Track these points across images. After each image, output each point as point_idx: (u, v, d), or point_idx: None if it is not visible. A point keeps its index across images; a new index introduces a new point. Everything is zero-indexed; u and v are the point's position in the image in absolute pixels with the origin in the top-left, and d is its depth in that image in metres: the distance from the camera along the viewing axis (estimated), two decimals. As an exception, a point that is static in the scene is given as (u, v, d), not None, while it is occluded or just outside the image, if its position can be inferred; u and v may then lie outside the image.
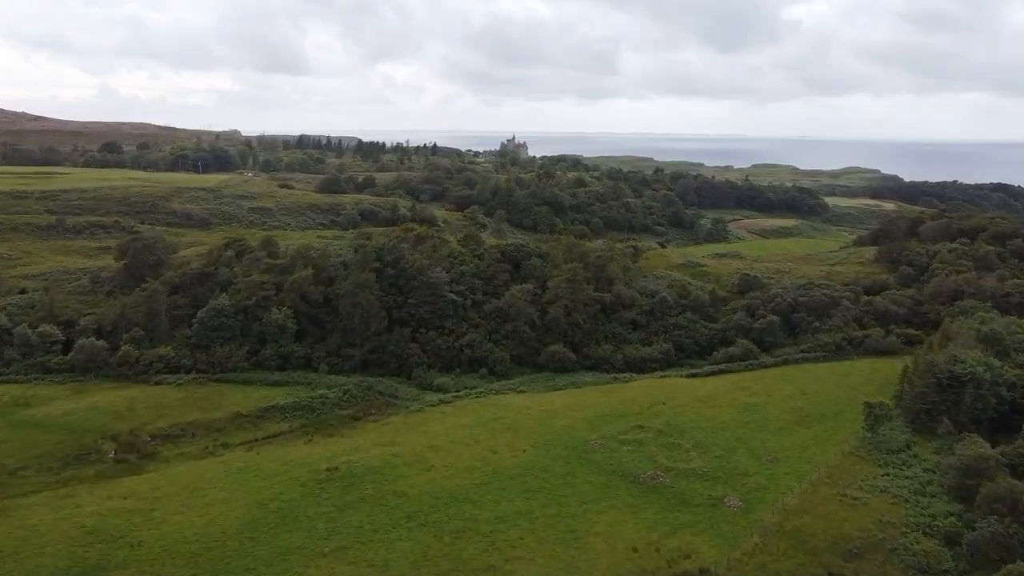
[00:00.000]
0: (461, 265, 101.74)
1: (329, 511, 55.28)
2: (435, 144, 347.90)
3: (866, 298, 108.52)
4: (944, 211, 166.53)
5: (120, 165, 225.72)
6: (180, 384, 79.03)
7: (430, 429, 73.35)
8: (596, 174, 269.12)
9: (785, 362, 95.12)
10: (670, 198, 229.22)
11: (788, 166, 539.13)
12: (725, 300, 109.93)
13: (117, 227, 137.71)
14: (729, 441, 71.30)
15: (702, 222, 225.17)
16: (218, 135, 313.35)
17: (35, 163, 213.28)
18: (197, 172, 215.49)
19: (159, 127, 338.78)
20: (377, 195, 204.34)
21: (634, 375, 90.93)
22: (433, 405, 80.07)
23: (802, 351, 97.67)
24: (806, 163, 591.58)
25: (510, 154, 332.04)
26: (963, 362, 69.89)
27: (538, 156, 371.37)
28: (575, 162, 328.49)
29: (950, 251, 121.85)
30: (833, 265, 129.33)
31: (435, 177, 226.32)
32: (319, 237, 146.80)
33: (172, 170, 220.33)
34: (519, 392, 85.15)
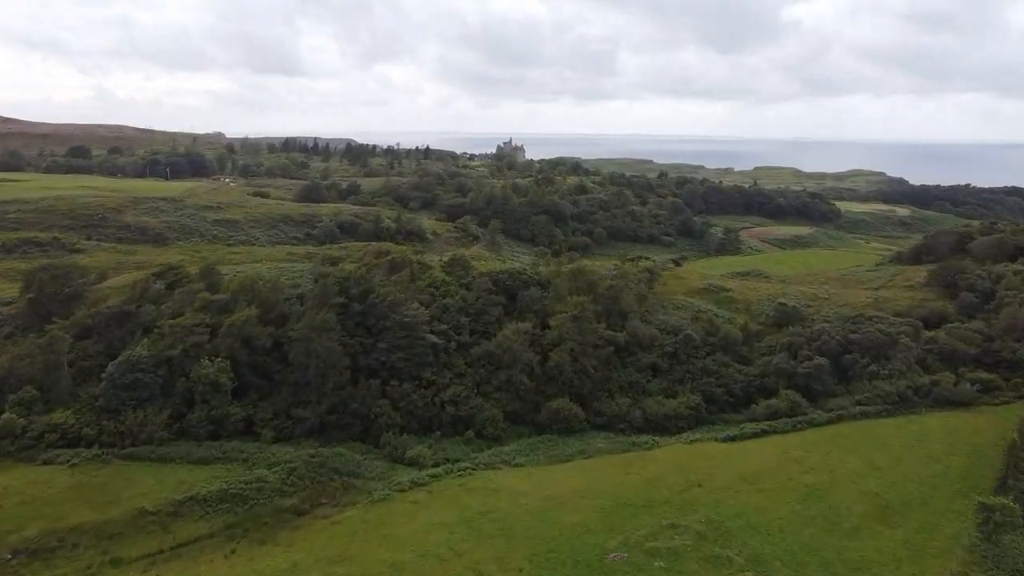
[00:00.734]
0: (444, 297, 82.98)
1: None
2: (428, 147, 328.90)
3: (927, 334, 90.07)
4: (993, 224, 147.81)
5: (87, 171, 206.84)
6: (74, 465, 60.05)
7: (396, 532, 54.51)
8: (597, 179, 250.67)
9: (840, 418, 76.36)
10: (678, 205, 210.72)
11: (791, 168, 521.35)
12: (759, 335, 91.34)
13: (56, 244, 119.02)
14: (793, 549, 52.61)
15: (712, 231, 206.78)
16: (195, 138, 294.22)
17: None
18: (166, 178, 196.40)
19: (136, 129, 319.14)
20: (362, 203, 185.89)
21: (657, 438, 72.15)
22: (403, 490, 61.10)
23: (859, 403, 78.92)
24: (807, 165, 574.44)
25: (507, 157, 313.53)
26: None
27: (536, 159, 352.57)
28: (574, 166, 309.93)
29: (1016, 273, 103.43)
30: (877, 289, 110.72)
31: (425, 183, 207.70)
32: (289, 254, 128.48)
33: (142, 176, 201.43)
34: (514, 466, 66.41)
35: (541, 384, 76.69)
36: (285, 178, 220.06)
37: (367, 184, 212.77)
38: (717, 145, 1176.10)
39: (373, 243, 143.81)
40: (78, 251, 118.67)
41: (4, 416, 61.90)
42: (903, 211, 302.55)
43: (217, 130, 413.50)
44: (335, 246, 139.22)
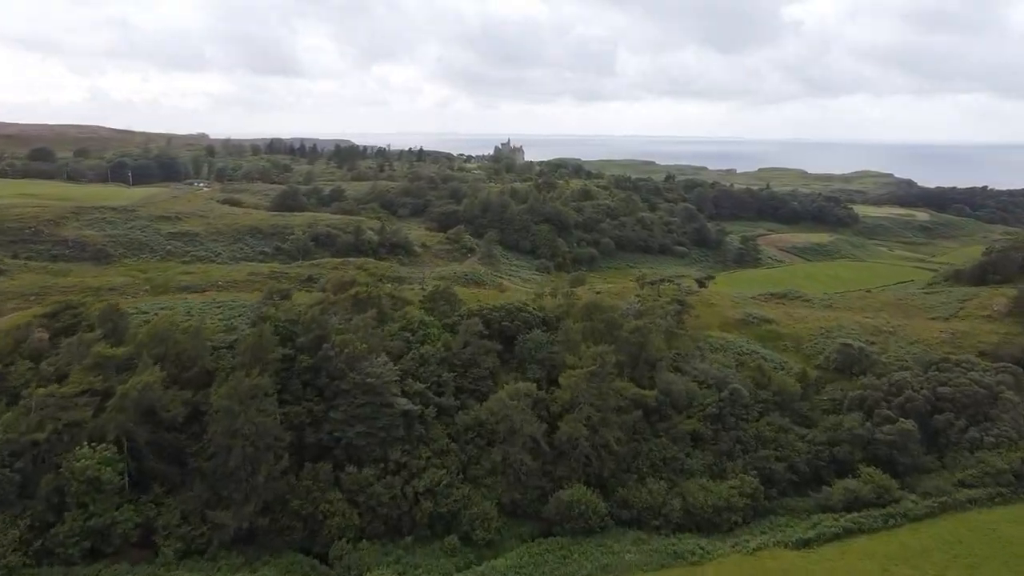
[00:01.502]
0: (423, 344, 63.40)
1: None
2: (421, 148, 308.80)
3: (1032, 383, 70.71)
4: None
5: (48, 175, 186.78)
6: None
7: None
8: (601, 182, 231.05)
9: (944, 508, 56.97)
10: (690, 212, 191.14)
11: (796, 170, 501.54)
12: (818, 385, 72.01)
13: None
14: None
15: (728, 239, 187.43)
16: (170, 139, 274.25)
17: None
18: (128, 184, 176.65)
19: (112, 130, 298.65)
20: (345, 211, 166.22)
21: (704, 543, 52.64)
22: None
23: (962, 484, 59.53)
24: (810, 166, 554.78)
25: (504, 159, 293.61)
26: None
27: (535, 160, 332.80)
28: (576, 168, 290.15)
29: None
30: (948, 319, 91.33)
31: (416, 188, 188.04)
32: (251, 274, 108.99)
33: (105, 181, 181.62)
34: (512, 595, 47.15)
35: (548, 464, 57.20)
36: (264, 182, 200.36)
37: (353, 189, 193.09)
38: (716, 146, 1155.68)
39: (352, 258, 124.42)
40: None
41: None
42: (922, 215, 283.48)
43: (201, 131, 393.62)
44: (307, 263, 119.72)
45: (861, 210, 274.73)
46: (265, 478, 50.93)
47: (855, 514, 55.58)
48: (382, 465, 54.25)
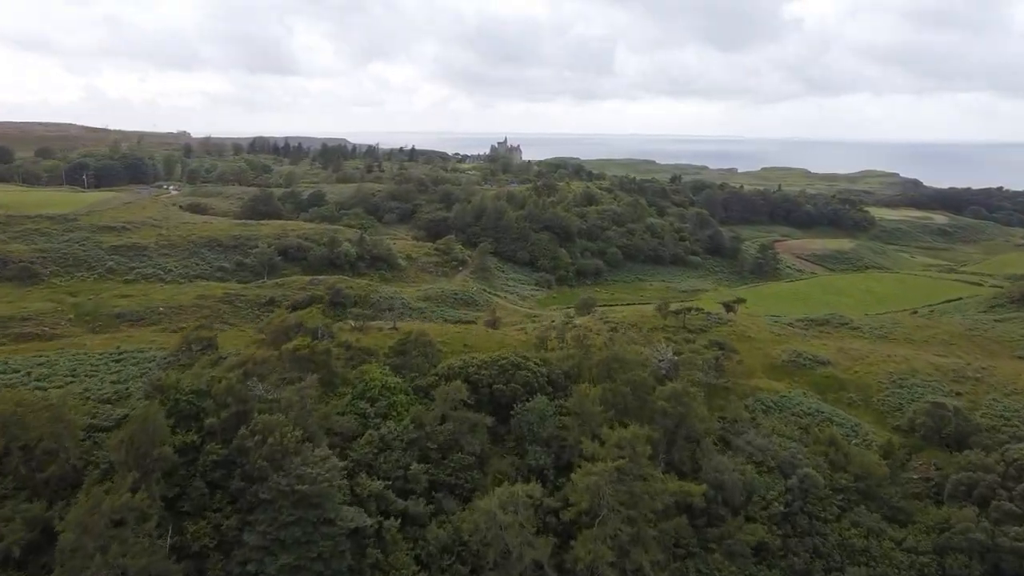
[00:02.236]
0: (384, 420, 45.87)
1: None
2: (413, 148, 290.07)
3: None
4: None
5: (3, 178, 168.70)
6: None
7: None
8: (604, 184, 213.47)
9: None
10: (703, 217, 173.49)
11: (800, 169, 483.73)
12: (903, 459, 54.71)
13: None
14: None
15: (744, 247, 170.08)
16: (140, 138, 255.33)
17: None
18: (84, 187, 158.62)
19: (85, 128, 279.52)
20: (324, 217, 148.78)
21: None
22: None
23: None
24: (812, 165, 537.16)
25: (501, 159, 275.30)
26: None
27: (534, 160, 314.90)
28: (576, 168, 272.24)
29: None
30: (1040, 359, 74.10)
31: (404, 192, 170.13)
32: (200, 297, 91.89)
33: (65, 184, 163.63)
34: None
35: (559, 600, 39.89)
36: (241, 184, 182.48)
37: (336, 192, 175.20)
38: (715, 145, 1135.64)
39: (324, 276, 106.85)
40: None
41: None
42: (940, 218, 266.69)
43: (182, 129, 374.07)
44: (271, 282, 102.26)
45: (877, 213, 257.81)
46: (137, 647, 33.49)
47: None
48: (317, 615, 36.81)
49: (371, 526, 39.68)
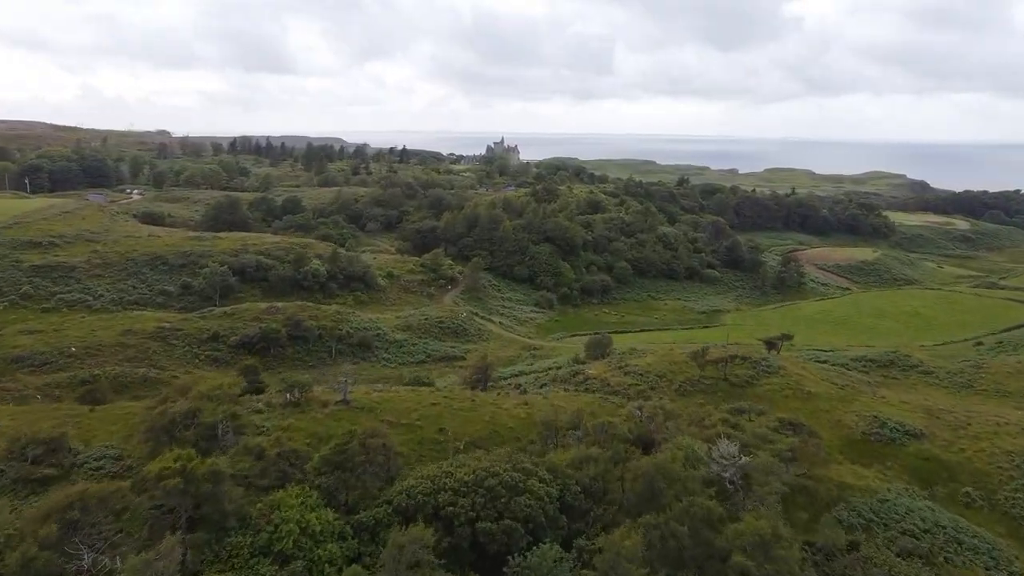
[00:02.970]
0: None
1: None
2: (404, 148, 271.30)
3: None
4: None
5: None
6: None
7: None
8: (608, 188, 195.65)
9: None
10: (719, 226, 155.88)
11: (804, 170, 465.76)
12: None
13: None
14: None
15: (764, 258, 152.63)
16: (105, 138, 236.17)
17: None
18: (27, 192, 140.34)
19: (55, 127, 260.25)
20: (299, 227, 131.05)
21: None
22: None
23: None
24: (811, 165, 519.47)
25: (498, 160, 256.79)
26: None
27: (532, 161, 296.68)
28: (577, 170, 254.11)
29: None
30: None
31: (390, 197, 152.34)
32: (126, 332, 74.38)
33: (8, 189, 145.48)
34: None
35: None
36: (213, 188, 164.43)
37: (315, 197, 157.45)
38: (714, 144, 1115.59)
39: (284, 303, 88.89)
40: None
41: None
42: (961, 224, 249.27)
43: (161, 128, 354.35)
44: (219, 310, 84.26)
45: (896, 218, 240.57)
46: None
47: None
48: None
49: None
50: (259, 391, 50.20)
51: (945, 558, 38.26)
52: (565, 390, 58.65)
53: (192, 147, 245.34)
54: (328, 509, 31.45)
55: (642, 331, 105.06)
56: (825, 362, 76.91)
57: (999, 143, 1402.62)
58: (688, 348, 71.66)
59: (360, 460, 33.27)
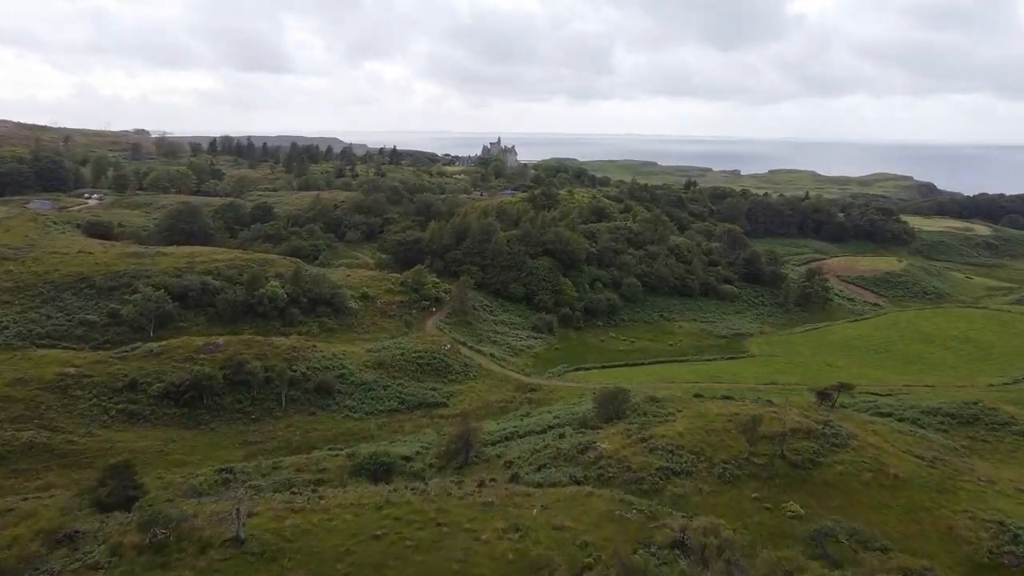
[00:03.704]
0: None
1: None
2: (395, 148, 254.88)
3: None
4: None
5: None
6: None
7: None
8: (611, 192, 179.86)
9: None
10: (735, 235, 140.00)
11: (808, 171, 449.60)
12: None
13: None
14: None
15: (784, 271, 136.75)
16: (67, 138, 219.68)
17: None
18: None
19: (19, 125, 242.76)
20: (268, 237, 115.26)
21: None
22: None
23: None
24: (813, 165, 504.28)
25: (493, 161, 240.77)
26: None
27: (530, 163, 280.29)
28: (578, 172, 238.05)
29: None
30: None
31: (373, 203, 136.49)
32: (10, 388, 58.15)
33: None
34: None
35: None
36: (180, 193, 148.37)
37: (292, 202, 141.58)
38: (713, 145, 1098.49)
39: (227, 338, 72.95)
40: None
41: None
42: (983, 229, 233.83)
43: (140, 127, 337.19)
44: (144, 348, 68.27)
45: (915, 223, 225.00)
46: None
47: None
48: None
49: None
50: (130, 501, 34.35)
51: None
52: (572, 478, 42.95)
53: (168, 147, 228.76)
54: None
55: (657, 362, 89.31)
56: (889, 415, 61.31)
57: (1000, 144, 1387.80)
58: (719, 401, 56.20)
59: None
